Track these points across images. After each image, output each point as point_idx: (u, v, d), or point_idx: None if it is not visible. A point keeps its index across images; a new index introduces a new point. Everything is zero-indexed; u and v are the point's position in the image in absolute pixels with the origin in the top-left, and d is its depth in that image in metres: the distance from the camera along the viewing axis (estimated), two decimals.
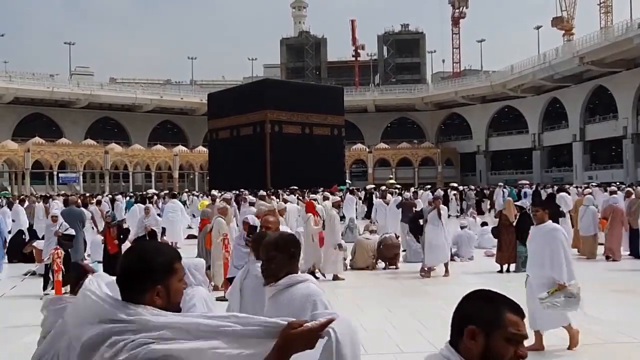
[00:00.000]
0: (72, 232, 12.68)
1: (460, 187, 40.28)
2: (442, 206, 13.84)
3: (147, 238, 12.96)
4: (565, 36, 78.11)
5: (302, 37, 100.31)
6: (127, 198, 32.30)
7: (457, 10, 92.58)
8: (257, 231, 5.82)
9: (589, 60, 55.32)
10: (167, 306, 2.06)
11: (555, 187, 31.96)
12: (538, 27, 77.12)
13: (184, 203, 30.13)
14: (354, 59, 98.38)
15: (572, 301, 6.60)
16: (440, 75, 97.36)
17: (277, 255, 3.37)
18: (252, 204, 18.13)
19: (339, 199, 18.69)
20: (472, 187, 42.15)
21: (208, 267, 12.33)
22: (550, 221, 7.20)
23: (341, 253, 13.38)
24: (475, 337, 1.88)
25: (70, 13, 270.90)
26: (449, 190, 35.36)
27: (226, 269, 11.09)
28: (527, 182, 41.67)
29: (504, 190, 34.31)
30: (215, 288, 12.08)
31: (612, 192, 18.70)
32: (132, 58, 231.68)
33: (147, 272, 2.07)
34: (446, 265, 13.31)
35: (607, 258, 15.34)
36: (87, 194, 36.07)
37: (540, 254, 6.90)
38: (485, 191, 40.55)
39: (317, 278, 12.49)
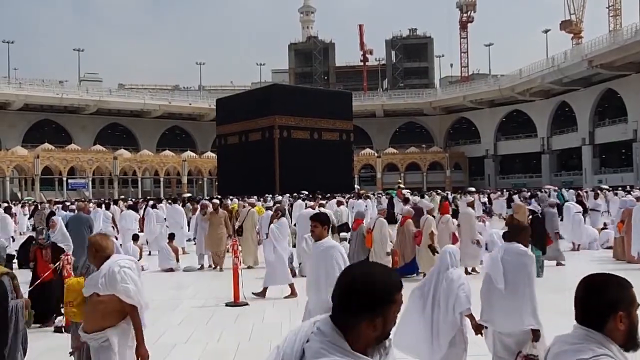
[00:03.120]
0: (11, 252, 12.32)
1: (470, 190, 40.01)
2: (282, 219, 12.82)
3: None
4: (574, 39, 77.96)
5: (310, 42, 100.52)
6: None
7: (465, 15, 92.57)
8: None
9: (598, 64, 55.13)
10: (379, 337, 1.97)
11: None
12: (546, 31, 76.96)
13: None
14: (362, 63, 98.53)
15: None
16: (449, 79, 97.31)
17: None
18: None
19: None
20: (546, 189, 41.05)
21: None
22: (329, 237, 6.19)
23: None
24: (623, 320, 2.26)
25: (79, 20, 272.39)
26: (512, 193, 34.58)
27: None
28: (552, 186, 41.51)
29: (554, 192, 33.89)
30: None
31: None
32: (141, 64, 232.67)
33: (369, 299, 1.93)
34: (291, 286, 11.81)
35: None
36: (141, 199, 36.00)
37: (317, 274, 6.00)
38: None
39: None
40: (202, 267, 15.86)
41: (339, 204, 20.94)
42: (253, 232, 16.65)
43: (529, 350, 5.27)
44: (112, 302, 4.51)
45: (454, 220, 14.51)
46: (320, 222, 6.10)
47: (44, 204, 32.65)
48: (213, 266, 15.63)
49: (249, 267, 15.40)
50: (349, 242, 15.33)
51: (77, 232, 14.20)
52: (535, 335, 5.26)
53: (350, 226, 17.34)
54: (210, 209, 16.77)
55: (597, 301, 2.29)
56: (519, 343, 5.25)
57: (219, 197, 31.02)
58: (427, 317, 5.39)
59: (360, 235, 13.11)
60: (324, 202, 21.89)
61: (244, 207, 19.35)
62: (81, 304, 5.30)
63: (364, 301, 1.93)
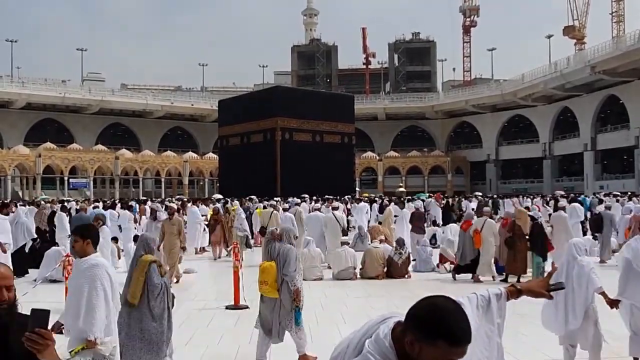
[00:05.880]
0: None
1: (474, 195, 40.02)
2: (103, 228, 11.87)
3: None
4: (577, 45, 77.95)
5: (313, 45, 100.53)
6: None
7: (468, 19, 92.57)
8: None
9: (601, 70, 55.08)
10: None
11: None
12: (549, 36, 77.13)
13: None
14: (364, 66, 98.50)
15: None
16: (451, 83, 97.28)
17: None
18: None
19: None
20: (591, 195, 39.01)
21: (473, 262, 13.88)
22: (94, 255, 5.10)
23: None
24: None
25: (82, 19, 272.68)
26: (559, 197, 33.58)
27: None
28: (562, 192, 41.50)
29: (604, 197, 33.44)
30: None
31: None
32: (143, 64, 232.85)
33: (413, 320, 2.03)
34: None
35: None
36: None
37: (76, 297, 4.95)
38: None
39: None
40: None
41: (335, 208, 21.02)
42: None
43: None
44: None
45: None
46: (81, 236, 5.10)
47: (45, 204, 32.61)
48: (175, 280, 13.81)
49: None
50: (351, 246, 15.39)
51: None
52: None
53: (347, 231, 17.54)
54: (164, 214, 15.71)
55: None
56: None
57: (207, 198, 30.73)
58: (561, 297, 6.36)
59: (468, 236, 13.76)
60: (336, 204, 21.93)
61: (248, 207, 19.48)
62: (273, 283, 6.82)
63: (413, 318, 2.02)
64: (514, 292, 2.99)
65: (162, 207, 20.59)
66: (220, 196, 30.72)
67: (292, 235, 7.27)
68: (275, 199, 27.48)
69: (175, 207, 16.33)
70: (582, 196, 34.89)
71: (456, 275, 14.18)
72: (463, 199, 37.28)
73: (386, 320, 2.16)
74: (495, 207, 30.92)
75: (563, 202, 19.22)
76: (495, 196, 42.95)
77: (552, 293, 6.41)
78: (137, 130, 79.12)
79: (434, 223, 28.30)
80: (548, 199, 35.50)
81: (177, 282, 13.71)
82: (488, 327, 2.89)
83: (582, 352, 6.71)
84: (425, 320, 1.99)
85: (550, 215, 18.69)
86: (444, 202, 34.40)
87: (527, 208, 20.05)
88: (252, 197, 29.06)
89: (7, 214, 14.35)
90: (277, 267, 6.88)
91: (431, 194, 41.05)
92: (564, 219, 16.11)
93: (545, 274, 3.42)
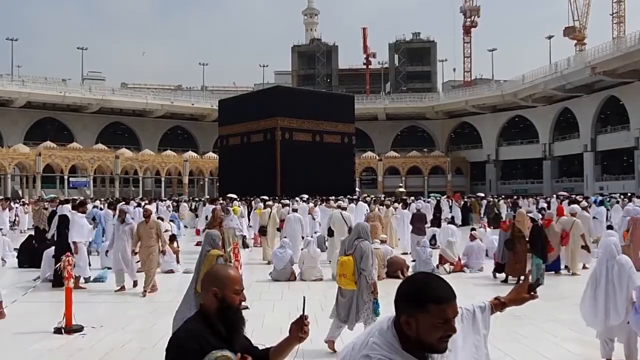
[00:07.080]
0: None
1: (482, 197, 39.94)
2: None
3: None
4: (577, 46, 78.04)
5: (313, 45, 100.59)
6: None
7: (468, 19, 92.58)
8: None
9: (601, 71, 55.07)
10: (417, 340, 2.11)
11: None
12: (550, 37, 77.16)
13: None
14: (365, 66, 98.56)
15: None
16: (451, 84, 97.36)
17: None
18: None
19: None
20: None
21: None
22: None
23: None
24: None
25: (83, 18, 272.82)
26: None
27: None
28: (566, 193, 41.43)
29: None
30: None
31: None
32: (144, 64, 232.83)
33: (401, 299, 2.17)
34: None
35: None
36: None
37: None
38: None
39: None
40: (122, 289, 12.39)
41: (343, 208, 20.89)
42: (275, 231, 18.10)
43: None
44: None
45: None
46: None
47: (42, 203, 32.56)
48: (143, 291, 12.04)
49: (268, 263, 16.10)
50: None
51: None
52: None
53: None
54: (133, 217, 14.86)
55: None
56: None
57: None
58: (600, 294, 6.80)
59: (508, 236, 14.13)
60: (344, 204, 21.82)
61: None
62: (351, 276, 7.31)
63: (400, 297, 2.18)
64: (498, 305, 3.13)
65: (132, 208, 20.39)
66: (234, 195, 30.62)
67: (367, 231, 7.72)
68: (301, 197, 27.66)
69: (151, 209, 16.00)
70: (593, 197, 35.04)
71: (496, 274, 14.48)
72: (481, 200, 37.30)
73: (387, 317, 2.26)
74: (515, 208, 31.42)
75: (584, 203, 19.36)
76: (516, 197, 43.31)
77: (589, 292, 6.94)
78: (137, 130, 79.15)
79: (432, 223, 28.16)
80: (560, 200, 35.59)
81: (152, 291, 12.12)
82: (475, 338, 3.00)
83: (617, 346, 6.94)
84: (410, 293, 2.14)
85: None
86: (462, 202, 35.02)
87: (542, 209, 20.18)
88: (264, 197, 29.02)
89: (84, 212, 14.12)
90: (354, 261, 7.36)
91: (450, 195, 41.26)
92: (586, 218, 16.53)
93: (530, 278, 3.52)
